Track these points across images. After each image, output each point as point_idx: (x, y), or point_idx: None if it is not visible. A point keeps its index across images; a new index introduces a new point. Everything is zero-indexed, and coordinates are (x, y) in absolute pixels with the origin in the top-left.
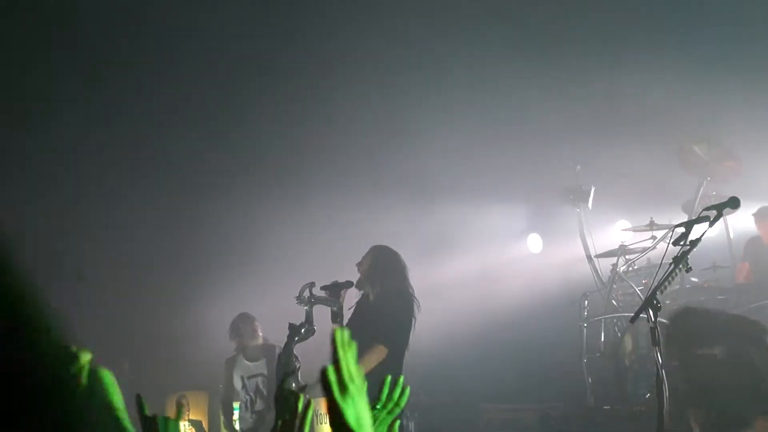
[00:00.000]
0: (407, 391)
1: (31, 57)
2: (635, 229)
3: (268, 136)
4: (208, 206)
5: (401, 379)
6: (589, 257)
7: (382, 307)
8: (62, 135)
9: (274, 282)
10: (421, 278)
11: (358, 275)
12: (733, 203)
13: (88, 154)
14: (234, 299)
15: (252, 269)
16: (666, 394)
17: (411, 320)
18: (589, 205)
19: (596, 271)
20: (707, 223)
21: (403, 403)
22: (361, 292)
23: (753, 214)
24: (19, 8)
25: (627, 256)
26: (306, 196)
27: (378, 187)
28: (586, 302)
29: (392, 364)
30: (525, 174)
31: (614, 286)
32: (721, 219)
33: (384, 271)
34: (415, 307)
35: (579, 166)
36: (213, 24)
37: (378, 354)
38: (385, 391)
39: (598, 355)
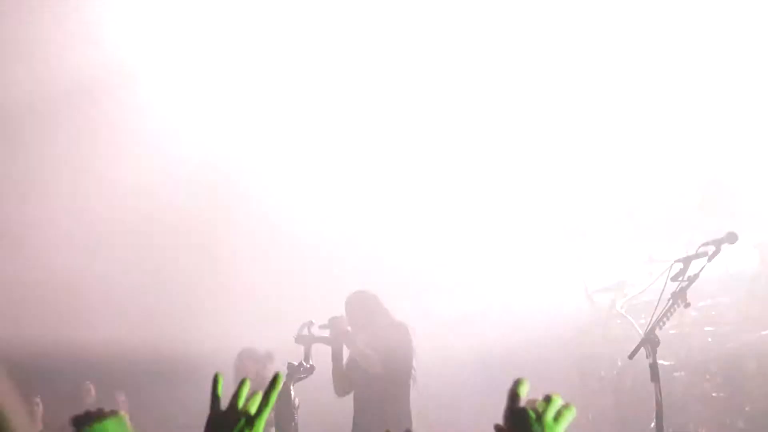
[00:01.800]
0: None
1: None
2: (634, 265)
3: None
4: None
5: None
6: (586, 294)
7: (377, 342)
8: None
9: (272, 319)
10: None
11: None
12: (731, 239)
13: None
14: (230, 337)
15: (249, 305)
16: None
17: (410, 348)
18: (587, 240)
19: (594, 307)
20: (705, 259)
21: None
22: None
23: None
24: None
25: (625, 292)
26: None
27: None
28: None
29: (399, 394)
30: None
31: (617, 322)
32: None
33: (373, 312)
34: (411, 334)
35: (577, 201)
36: None
37: (377, 365)
38: None
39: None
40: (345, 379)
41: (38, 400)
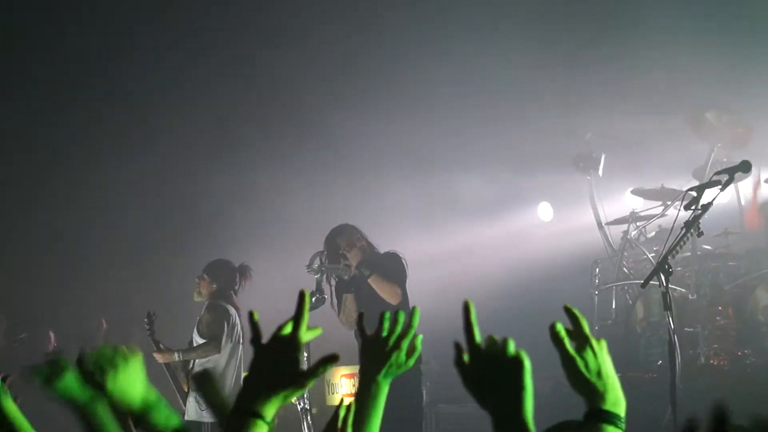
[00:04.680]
0: (416, 311)
1: None
2: (646, 196)
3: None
4: (214, 180)
5: (400, 314)
6: (599, 225)
7: (391, 268)
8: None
9: (284, 251)
10: (430, 246)
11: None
12: (745, 167)
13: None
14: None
15: (262, 239)
16: (678, 359)
17: (406, 273)
18: (600, 172)
19: (607, 238)
20: (719, 188)
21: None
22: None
23: (765, 180)
24: None
25: (638, 223)
26: (312, 168)
27: (386, 157)
28: (597, 270)
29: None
30: (535, 142)
31: (625, 254)
32: (732, 186)
33: (372, 245)
34: (405, 264)
35: (589, 134)
36: None
37: (397, 294)
38: (386, 325)
39: (609, 322)
40: (353, 310)
41: (2, 317)
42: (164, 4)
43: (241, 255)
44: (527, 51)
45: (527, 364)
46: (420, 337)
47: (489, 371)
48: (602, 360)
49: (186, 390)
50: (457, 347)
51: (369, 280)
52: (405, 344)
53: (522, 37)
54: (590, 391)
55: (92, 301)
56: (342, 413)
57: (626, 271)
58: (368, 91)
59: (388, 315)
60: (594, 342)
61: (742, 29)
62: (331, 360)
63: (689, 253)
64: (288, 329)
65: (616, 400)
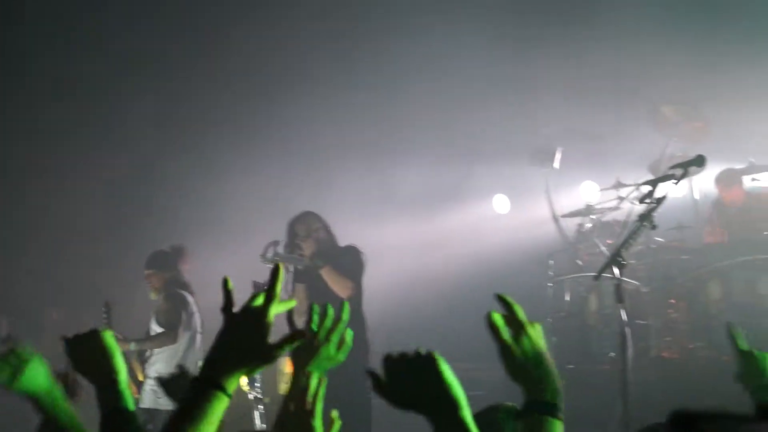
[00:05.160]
0: (345, 306)
1: None
2: (602, 189)
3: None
4: (165, 166)
5: (329, 307)
6: (555, 217)
7: (347, 261)
8: None
9: (237, 241)
10: (385, 238)
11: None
12: (699, 161)
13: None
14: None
15: (214, 230)
16: (629, 351)
17: (363, 269)
18: (556, 165)
19: (562, 231)
20: (673, 181)
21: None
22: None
23: (715, 179)
24: None
25: (593, 216)
26: (270, 156)
27: (339, 145)
28: (551, 262)
29: (355, 308)
30: (492, 134)
31: (579, 246)
32: (687, 180)
33: (331, 232)
34: (363, 258)
35: (546, 127)
36: None
37: (348, 288)
38: (315, 318)
39: (563, 314)
40: (307, 300)
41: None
42: None
43: (195, 243)
44: (484, 41)
45: (439, 357)
46: (350, 332)
47: (407, 378)
48: (539, 346)
49: (141, 379)
50: (372, 375)
51: (321, 272)
52: (335, 337)
53: (479, 27)
54: (528, 381)
55: (46, 288)
56: (313, 384)
57: (580, 263)
58: (326, 79)
59: (317, 308)
60: (529, 327)
61: (702, 23)
62: (298, 335)
63: (643, 246)
64: (259, 301)
65: (554, 390)
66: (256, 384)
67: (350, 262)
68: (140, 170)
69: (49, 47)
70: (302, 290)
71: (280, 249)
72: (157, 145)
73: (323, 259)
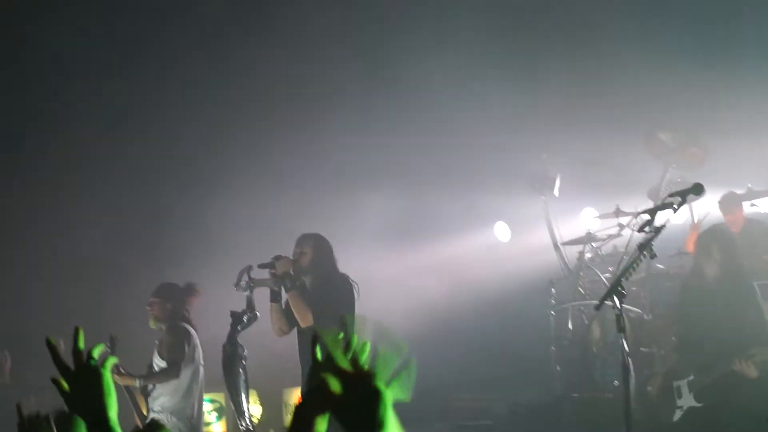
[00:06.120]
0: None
1: None
2: (602, 217)
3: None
4: (172, 202)
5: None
6: (555, 245)
7: (323, 292)
8: None
9: (210, 269)
10: (387, 266)
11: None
12: (697, 189)
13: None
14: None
15: (217, 259)
16: (632, 381)
17: (354, 303)
18: (556, 192)
19: (563, 258)
20: (671, 210)
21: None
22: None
23: (718, 202)
24: None
25: (593, 244)
26: (275, 182)
27: (342, 176)
28: (553, 290)
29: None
30: (492, 162)
31: (581, 274)
32: (686, 205)
33: (324, 259)
34: (355, 292)
35: (545, 154)
36: None
37: (307, 319)
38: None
39: (565, 342)
40: (283, 319)
41: (6, 353)
42: None
43: (204, 277)
44: (484, 68)
45: (386, 394)
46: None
47: (352, 401)
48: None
49: (145, 412)
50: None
51: (287, 294)
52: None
53: (479, 54)
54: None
55: (52, 318)
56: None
57: (582, 291)
58: (334, 105)
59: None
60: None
61: (700, 51)
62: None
63: (644, 274)
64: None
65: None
66: (246, 417)
67: (326, 293)
68: (146, 204)
69: (45, 84)
70: (275, 310)
71: (254, 274)
72: (163, 177)
73: (292, 281)
